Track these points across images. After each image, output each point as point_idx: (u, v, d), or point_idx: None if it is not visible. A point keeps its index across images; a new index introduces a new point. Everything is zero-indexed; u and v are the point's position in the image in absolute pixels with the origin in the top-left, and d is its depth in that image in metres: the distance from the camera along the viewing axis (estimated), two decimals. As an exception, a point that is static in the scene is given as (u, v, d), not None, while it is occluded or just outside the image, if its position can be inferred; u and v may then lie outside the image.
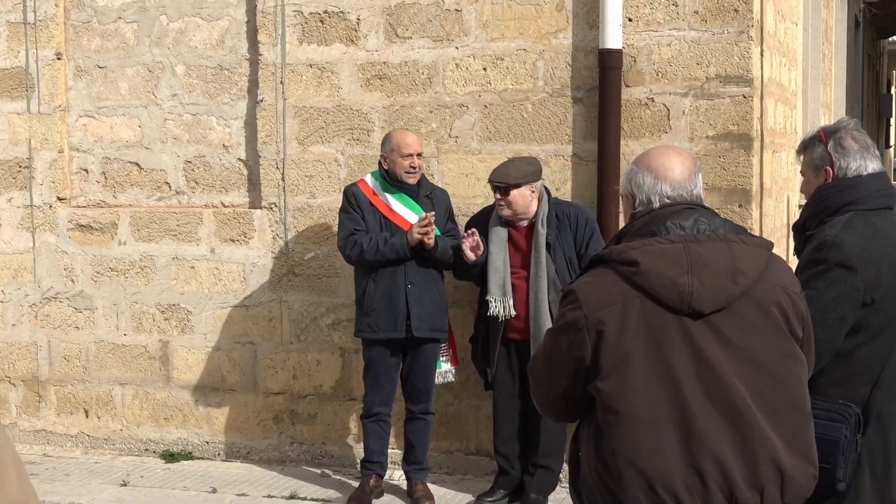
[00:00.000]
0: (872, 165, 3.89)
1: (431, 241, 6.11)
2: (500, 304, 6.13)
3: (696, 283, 3.05)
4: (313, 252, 6.99)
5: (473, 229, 6.07)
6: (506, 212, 6.06)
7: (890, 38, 29.95)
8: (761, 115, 6.63)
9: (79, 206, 7.64)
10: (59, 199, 7.64)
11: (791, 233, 4.18)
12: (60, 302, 7.66)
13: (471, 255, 6.03)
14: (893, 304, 3.76)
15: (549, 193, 6.25)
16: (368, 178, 6.44)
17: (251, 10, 7.18)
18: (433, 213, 6.14)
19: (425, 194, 6.36)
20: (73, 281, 7.63)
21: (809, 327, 3.24)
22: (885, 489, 3.85)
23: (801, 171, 4.10)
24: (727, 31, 6.38)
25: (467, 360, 6.57)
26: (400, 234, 6.15)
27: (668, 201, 3.22)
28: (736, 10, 6.35)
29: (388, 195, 6.33)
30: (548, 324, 5.91)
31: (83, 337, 7.64)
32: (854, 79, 16.01)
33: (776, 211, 7.43)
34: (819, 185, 3.94)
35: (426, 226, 6.08)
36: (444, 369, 6.46)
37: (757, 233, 6.25)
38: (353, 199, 6.34)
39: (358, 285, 6.41)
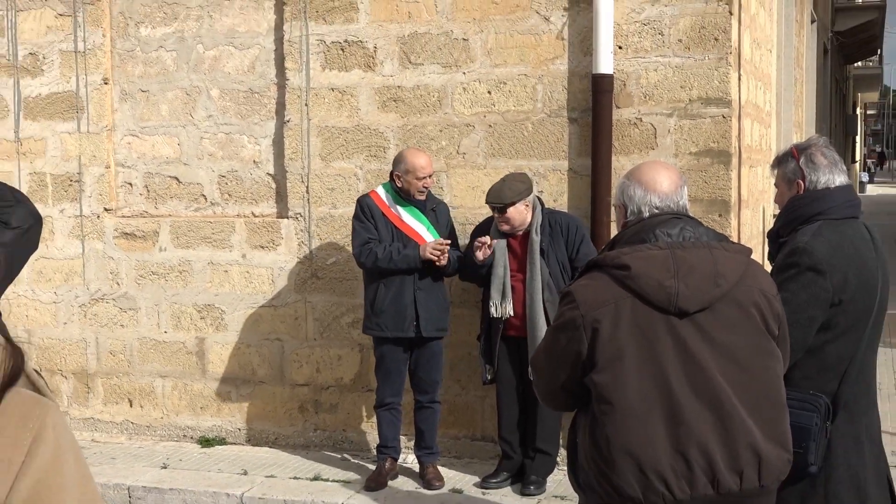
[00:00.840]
0: (840, 179, 3.89)
1: (442, 262, 6.15)
2: (500, 307, 6.15)
3: (682, 285, 3.05)
4: (334, 257, 6.99)
5: (487, 239, 6.06)
6: (505, 227, 6.09)
7: (855, 64, 29.96)
8: (739, 134, 6.62)
9: (124, 217, 7.65)
10: (106, 209, 7.65)
11: (766, 240, 4.16)
12: (107, 303, 7.67)
13: (479, 256, 6.04)
14: (859, 305, 3.77)
15: (542, 204, 6.26)
16: (380, 191, 6.44)
17: (279, 40, 7.19)
18: (449, 241, 6.21)
19: (431, 207, 6.39)
20: (118, 284, 7.64)
21: (785, 326, 3.25)
22: (856, 472, 3.84)
23: (775, 184, 4.10)
24: (708, 57, 6.37)
25: (474, 356, 6.57)
26: (413, 247, 6.17)
27: (656, 211, 3.23)
28: (716, 39, 6.35)
29: (399, 208, 6.35)
30: (542, 321, 5.94)
31: (127, 334, 7.65)
32: (823, 100, 15.99)
33: (753, 220, 7.42)
34: (791, 197, 3.94)
35: (440, 249, 6.12)
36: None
37: (736, 240, 6.22)
38: (366, 210, 6.36)
39: (368, 287, 6.41)
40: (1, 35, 7.76)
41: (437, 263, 6.15)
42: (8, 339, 1.66)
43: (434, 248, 6.13)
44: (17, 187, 7.81)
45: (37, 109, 7.75)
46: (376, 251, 6.19)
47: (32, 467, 1.56)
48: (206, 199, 7.47)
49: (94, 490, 1.65)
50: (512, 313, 6.15)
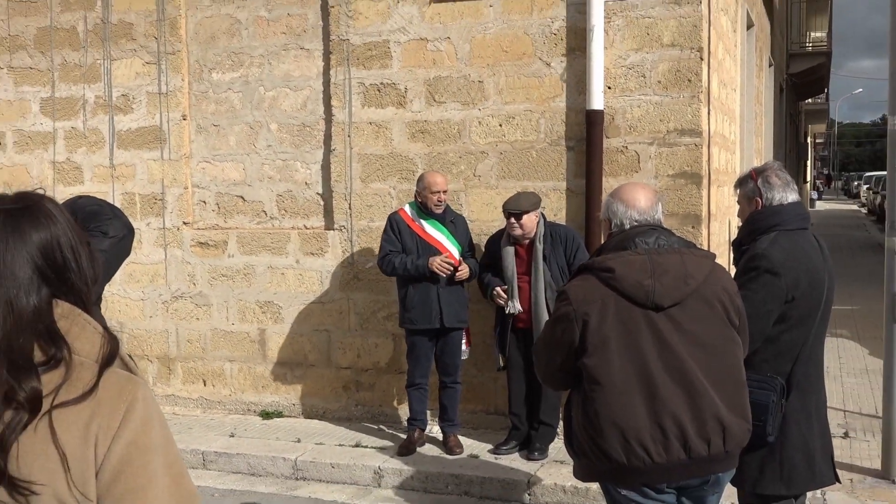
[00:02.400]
0: (791, 196, 3.89)
1: (442, 275, 6.19)
2: (512, 305, 6.15)
3: (658, 284, 3.05)
4: (372, 262, 7.00)
5: (503, 293, 6.19)
6: (517, 231, 6.06)
7: (806, 101, 29.81)
8: (708, 159, 6.59)
9: (198, 229, 7.69)
10: (185, 223, 7.68)
11: (731, 247, 4.15)
12: (185, 300, 7.71)
13: (500, 303, 6.20)
14: (808, 301, 3.76)
15: (544, 218, 6.25)
16: (407, 208, 6.46)
17: (326, 83, 7.21)
18: (457, 260, 6.27)
19: (450, 220, 6.41)
20: (194, 284, 7.67)
21: (744, 318, 3.24)
22: (806, 441, 3.83)
23: (737, 201, 4.09)
24: (682, 95, 6.35)
25: (489, 345, 6.56)
26: (424, 258, 6.19)
27: (636, 224, 3.23)
28: (689, 80, 6.33)
29: (422, 221, 6.36)
30: (545, 315, 5.91)
31: (202, 326, 7.68)
32: (779, 131, 15.92)
33: (720, 231, 7.38)
34: (751, 212, 3.94)
35: (446, 265, 6.17)
36: (462, 349, 6.49)
37: (706, 248, 6.20)
38: (394, 225, 6.39)
39: (400, 289, 6.43)
40: (98, 80, 7.82)
41: (438, 273, 6.17)
42: (106, 328, 1.68)
43: (440, 263, 6.16)
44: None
45: (128, 141, 7.79)
46: (394, 261, 6.26)
47: (126, 431, 1.58)
48: (266, 214, 7.50)
49: (176, 451, 1.66)
50: (521, 309, 6.14)
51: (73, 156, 7.97)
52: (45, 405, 1.55)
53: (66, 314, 1.65)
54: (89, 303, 1.72)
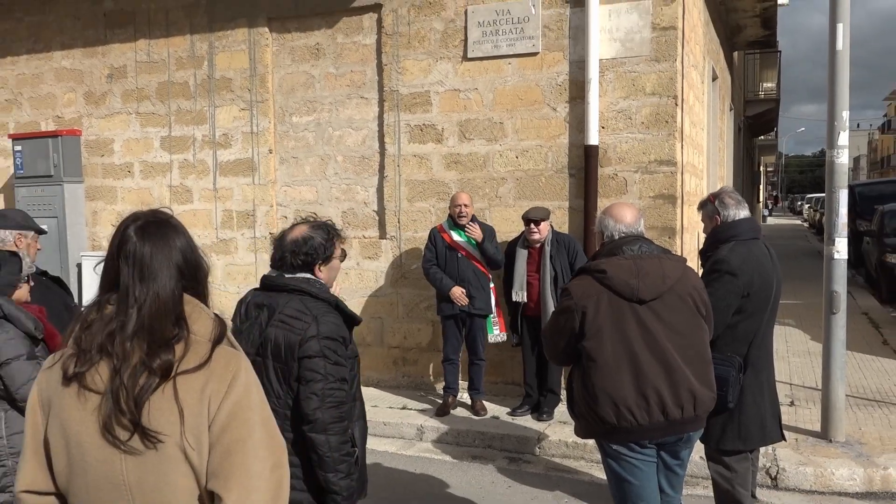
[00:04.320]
0: (743, 213, 3.92)
1: (457, 303, 6.24)
2: (520, 295, 6.14)
3: (641, 283, 3.04)
4: (416, 264, 7.02)
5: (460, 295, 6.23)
6: (535, 236, 6.06)
7: (759, 137, 29.47)
8: (682, 184, 6.54)
9: (281, 238, 7.75)
10: (270, 233, 7.75)
11: (699, 255, 4.14)
12: (270, 293, 7.77)
13: (459, 303, 6.24)
14: (761, 297, 3.76)
15: (552, 228, 6.23)
16: (444, 223, 6.49)
17: (381, 124, 7.25)
18: (466, 302, 6.27)
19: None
20: (277, 281, 7.74)
21: (710, 310, 3.24)
22: (759, 408, 3.83)
23: (701, 220, 4.10)
24: (661, 133, 6.31)
25: (506, 328, 6.56)
26: (450, 283, 6.27)
27: (623, 235, 3.23)
28: (666, 121, 6.29)
29: (452, 231, 6.37)
30: (550, 305, 5.91)
31: (283, 313, 7.74)
32: (737, 161, 15.76)
33: (690, 241, 7.32)
34: (713, 227, 3.95)
35: (458, 297, 6.23)
36: (496, 333, 6.46)
37: (679, 254, 6.16)
38: (433, 237, 6.45)
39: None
40: (205, 122, 7.92)
41: (458, 303, 6.24)
42: (216, 314, 1.72)
43: (457, 296, 6.22)
44: (213, 220, 7.98)
45: (227, 169, 7.88)
46: (431, 272, 6.35)
47: (232, 394, 1.61)
48: (333, 226, 7.55)
49: (269, 410, 1.69)
50: (526, 299, 6.13)
51: (185, 181, 8.07)
52: (171, 372, 1.59)
53: (188, 302, 1.69)
54: (206, 294, 1.76)
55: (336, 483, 2.48)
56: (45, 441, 1.63)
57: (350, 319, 2.69)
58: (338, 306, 2.66)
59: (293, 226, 2.87)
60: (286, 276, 2.71)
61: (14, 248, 4.20)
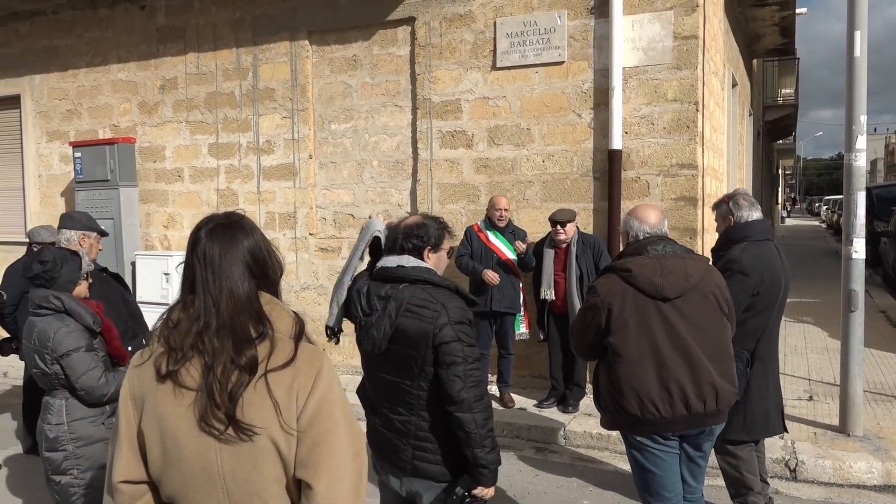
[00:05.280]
0: (756, 214, 3.88)
1: (490, 283, 6.12)
2: (548, 294, 6.09)
3: (665, 281, 3.00)
4: (448, 262, 7.00)
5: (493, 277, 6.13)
6: (561, 237, 6.02)
7: (778, 141, 29.01)
8: (702, 186, 6.46)
9: (320, 238, 7.80)
10: (310, 234, 7.81)
11: (711, 254, 4.10)
12: (310, 290, 7.83)
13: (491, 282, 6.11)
14: (769, 295, 3.75)
15: (578, 229, 6.19)
16: (480, 222, 6.46)
17: (414, 131, 7.26)
18: (497, 278, 6.14)
19: (510, 231, 6.37)
20: (317, 279, 7.79)
21: (731, 307, 3.19)
22: (764, 398, 3.81)
23: (714, 219, 4.06)
24: (682, 138, 6.24)
25: (533, 324, 6.51)
26: (482, 266, 6.18)
27: (648, 235, 3.20)
28: (687, 127, 6.21)
29: (488, 232, 6.34)
30: (576, 303, 5.87)
31: (322, 310, 7.76)
32: (756, 165, 15.53)
33: (711, 241, 7.20)
34: (726, 227, 3.92)
35: (490, 277, 6.11)
36: (521, 331, 6.43)
37: (700, 253, 6.08)
38: (467, 234, 6.39)
39: (470, 283, 6.40)
40: (249, 130, 8.00)
41: (490, 283, 6.13)
42: (295, 312, 1.73)
43: (489, 277, 6.11)
44: (257, 222, 8.05)
45: (270, 174, 7.95)
46: (462, 261, 6.27)
47: (317, 390, 1.64)
48: (369, 227, 7.58)
49: (347, 402, 1.71)
50: (554, 297, 6.08)
51: (231, 185, 8.16)
52: (260, 370, 1.61)
53: (268, 301, 1.71)
54: (279, 293, 1.78)
55: (484, 458, 2.53)
56: (138, 433, 1.66)
57: (471, 302, 2.71)
58: (458, 290, 2.68)
59: (408, 216, 2.89)
60: (406, 266, 2.67)
61: (77, 248, 4.28)
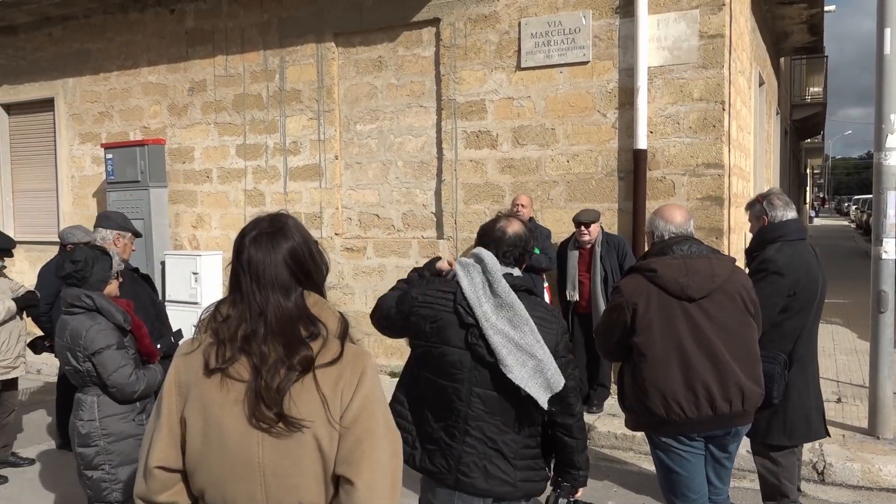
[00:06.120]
0: (791, 214, 3.79)
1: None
2: (573, 294, 6.06)
3: (690, 281, 2.97)
4: (472, 263, 7.01)
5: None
6: (585, 237, 5.98)
7: (805, 141, 28.58)
8: (728, 186, 6.38)
9: (346, 238, 7.84)
10: (336, 234, 7.85)
11: (745, 254, 4.03)
12: (336, 289, 7.87)
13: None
14: (806, 295, 3.65)
15: (602, 229, 6.15)
16: None
17: (439, 131, 7.26)
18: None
19: (532, 229, 6.33)
20: (342, 278, 7.83)
21: (758, 308, 3.15)
22: (804, 403, 3.71)
23: (748, 219, 3.99)
24: (708, 137, 6.17)
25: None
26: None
27: (673, 235, 3.17)
28: (713, 126, 6.14)
29: None
30: (601, 304, 5.83)
31: (347, 308, 7.81)
32: (784, 164, 15.30)
33: (737, 241, 7.13)
34: (760, 227, 3.84)
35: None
36: None
37: (726, 254, 6.01)
38: None
39: None
40: (276, 131, 8.06)
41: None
42: (340, 312, 1.75)
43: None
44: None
45: (296, 174, 8.01)
46: None
47: (362, 388, 1.67)
48: (394, 227, 7.60)
49: (386, 402, 1.74)
50: (578, 298, 6.04)
51: (258, 185, 8.23)
52: (311, 366, 1.64)
53: (316, 302, 1.73)
54: (324, 283, 1.81)
55: (584, 462, 2.59)
56: (180, 421, 1.69)
57: None
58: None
59: (499, 219, 2.65)
60: (514, 274, 2.54)
61: (111, 247, 4.35)
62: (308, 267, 1.74)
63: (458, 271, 2.51)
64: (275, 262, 1.70)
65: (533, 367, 2.36)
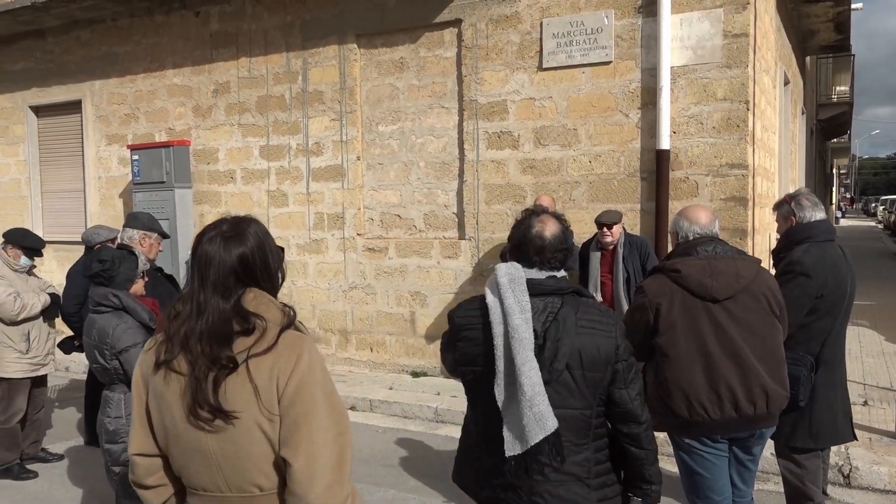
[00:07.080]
0: (819, 215, 3.73)
1: None
2: (595, 295, 6.01)
3: (714, 283, 2.95)
4: (492, 264, 6.99)
5: None
6: (608, 238, 5.94)
7: (832, 140, 28.19)
8: (753, 187, 6.31)
9: (368, 238, 7.87)
10: (358, 234, 7.88)
11: (771, 255, 3.98)
12: (358, 290, 7.90)
13: None
14: (834, 297, 3.60)
15: (624, 230, 6.10)
16: None
17: (460, 132, 7.26)
18: None
19: (561, 215, 6.29)
20: (364, 278, 7.85)
21: (784, 309, 3.11)
22: (831, 406, 3.65)
23: (776, 220, 3.93)
24: (732, 137, 6.11)
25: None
26: None
27: (697, 236, 3.14)
28: (738, 126, 6.08)
29: None
30: (624, 305, 5.78)
31: (369, 308, 7.85)
32: (809, 164, 15.11)
33: (762, 242, 7.06)
34: (787, 228, 3.79)
35: None
36: None
37: (751, 254, 5.95)
38: None
39: None
40: (299, 132, 8.11)
41: None
42: (284, 304, 1.81)
43: None
44: (306, 222, 8.15)
45: (319, 175, 8.05)
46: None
47: (297, 372, 1.71)
48: (416, 228, 7.62)
49: (331, 384, 1.78)
50: (601, 299, 6.00)
51: (281, 186, 8.29)
52: (242, 358, 1.71)
53: (255, 297, 1.78)
54: (276, 290, 1.86)
55: (656, 475, 2.36)
56: (147, 411, 1.82)
57: None
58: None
59: (532, 223, 2.41)
60: (557, 276, 2.37)
61: (137, 246, 4.41)
62: (257, 275, 1.80)
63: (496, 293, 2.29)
64: (222, 264, 1.76)
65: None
